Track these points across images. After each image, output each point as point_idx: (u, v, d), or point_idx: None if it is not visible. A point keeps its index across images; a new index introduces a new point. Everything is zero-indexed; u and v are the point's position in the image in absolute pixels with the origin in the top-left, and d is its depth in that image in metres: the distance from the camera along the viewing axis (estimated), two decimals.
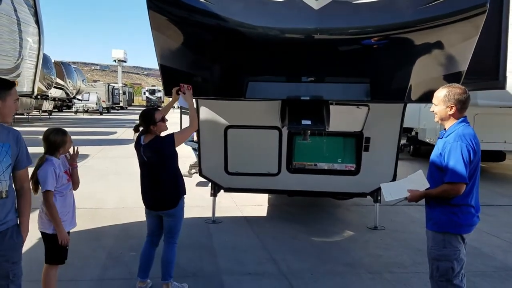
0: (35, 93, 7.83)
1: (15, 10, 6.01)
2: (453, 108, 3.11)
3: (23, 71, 6.34)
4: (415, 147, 14.44)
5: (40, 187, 3.53)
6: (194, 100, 5.69)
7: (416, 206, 5.37)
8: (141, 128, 4.07)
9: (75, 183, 3.77)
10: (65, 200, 3.64)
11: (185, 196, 4.10)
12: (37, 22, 6.75)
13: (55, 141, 3.58)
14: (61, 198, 3.59)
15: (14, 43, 6.12)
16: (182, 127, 6.05)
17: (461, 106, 3.11)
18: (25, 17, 6.36)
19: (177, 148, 4.01)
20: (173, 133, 3.97)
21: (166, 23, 3.82)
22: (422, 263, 4.71)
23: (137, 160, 4.08)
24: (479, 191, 3.22)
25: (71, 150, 3.75)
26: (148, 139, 3.93)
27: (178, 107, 9.49)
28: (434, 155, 3.23)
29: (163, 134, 4.03)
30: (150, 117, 3.93)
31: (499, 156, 11.74)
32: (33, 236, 5.26)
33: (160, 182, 3.97)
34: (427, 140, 12.49)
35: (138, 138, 4.01)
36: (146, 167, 4.00)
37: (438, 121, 3.26)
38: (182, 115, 9.89)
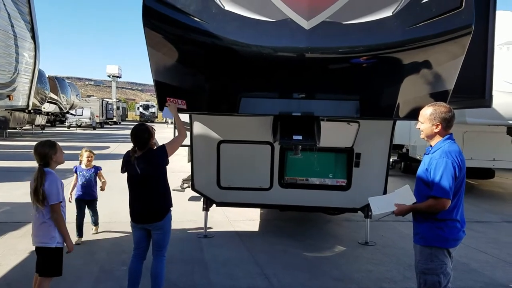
0: (30, 107, 7.87)
1: (12, 26, 6.10)
2: (438, 126, 3.21)
3: (18, 85, 6.40)
4: (406, 164, 14.61)
5: (46, 200, 3.51)
6: (188, 115, 5.79)
7: (406, 222, 5.43)
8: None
9: None
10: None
11: (172, 208, 4.13)
12: (34, 37, 6.84)
13: (44, 151, 3.62)
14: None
15: (10, 58, 6.19)
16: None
17: (446, 124, 3.21)
18: (22, 32, 6.45)
19: (169, 163, 4.07)
20: (164, 144, 4.04)
21: (161, 40, 3.91)
22: (411, 278, 4.76)
23: (127, 174, 4.08)
24: (464, 206, 3.29)
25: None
26: (141, 151, 3.99)
27: (172, 122, 9.51)
28: (420, 170, 3.31)
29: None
30: (147, 141, 3.99)
31: (488, 173, 11.89)
32: (25, 250, 5.32)
33: (150, 193, 4.00)
34: (418, 157, 12.62)
35: (132, 152, 4.04)
36: (138, 180, 3.99)
37: (424, 138, 3.35)
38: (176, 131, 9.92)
